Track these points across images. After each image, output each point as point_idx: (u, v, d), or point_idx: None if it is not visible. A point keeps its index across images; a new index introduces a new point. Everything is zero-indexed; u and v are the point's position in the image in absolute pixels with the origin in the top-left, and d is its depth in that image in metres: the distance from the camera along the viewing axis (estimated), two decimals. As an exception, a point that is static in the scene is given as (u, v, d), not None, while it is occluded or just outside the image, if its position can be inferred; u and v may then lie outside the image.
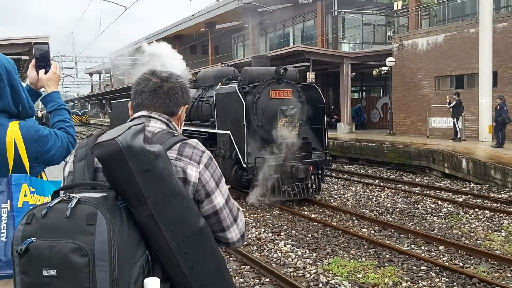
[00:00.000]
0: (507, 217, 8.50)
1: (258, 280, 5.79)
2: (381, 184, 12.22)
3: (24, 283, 1.22)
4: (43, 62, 2.34)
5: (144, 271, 1.29)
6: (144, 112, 1.56)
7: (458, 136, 16.45)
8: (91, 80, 69.73)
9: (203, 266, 1.37)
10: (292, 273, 6.04)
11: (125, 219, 1.26)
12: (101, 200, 1.25)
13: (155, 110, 1.57)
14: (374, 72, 21.86)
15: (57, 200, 1.26)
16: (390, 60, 19.64)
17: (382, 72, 21.46)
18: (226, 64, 15.14)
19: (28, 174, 2.06)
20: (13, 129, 2.04)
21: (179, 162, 1.44)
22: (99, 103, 63.33)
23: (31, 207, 1.29)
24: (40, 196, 2.07)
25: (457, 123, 16.52)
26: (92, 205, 1.22)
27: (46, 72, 2.34)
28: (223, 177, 1.56)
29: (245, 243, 7.35)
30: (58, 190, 1.34)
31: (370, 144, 16.23)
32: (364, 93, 31.22)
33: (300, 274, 5.98)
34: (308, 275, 5.94)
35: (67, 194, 1.28)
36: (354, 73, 23.06)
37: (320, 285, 5.61)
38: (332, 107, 26.47)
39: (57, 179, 2.12)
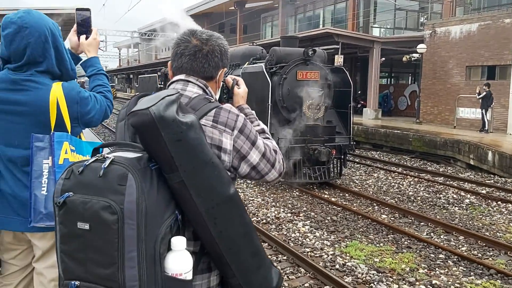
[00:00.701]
0: (531, 212, 8.38)
1: (275, 258, 5.88)
2: (404, 172, 12.13)
3: (62, 232, 1.32)
4: (84, 27, 2.43)
5: (172, 230, 1.35)
6: (182, 76, 1.60)
7: (486, 128, 16.14)
8: (119, 54, 70.40)
9: (232, 231, 1.42)
10: (309, 253, 6.11)
11: (155, 181, 1.32)
12: (134, 162, 1.31)
13: (193, 74, 1.61)
14: (404, 59, 21.47)
15: (93, 159, 1.33)
16: (421, 47, 19.25)
17: (413, 59, 21.06)
18: (254, 44, 15.09)
19: (69, 133, 2.15)
20: (56, 89, 2.13)
21: (214, 130, 1.48)
22: (126, 77, 64.00)
23: (70, 164, 1.37)
24: (79, 155, 2.16)
25: (486, 114, 16.19)
26: (124, 166, 1.28)
27: (87, 38, 2.43)
28: (259, 133, 1.62)
29: (264, 221, 7.45)
30: (98, 148, 1.41)
31: (396, 131, 16.07)
32: (392, 79, 30.75)
33: (317, 255, 6.05)
34: (325, 256, 6.01)
35: (103, 153, 1.35)
36: (383, 59, 22.70)
37: (337, 266, 5.67)
38: (359, 92, 26.18)
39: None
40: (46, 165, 2.07)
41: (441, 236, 6.94)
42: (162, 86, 19.66)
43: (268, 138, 1.70)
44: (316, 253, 6.12)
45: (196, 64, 1.60)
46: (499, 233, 7.19)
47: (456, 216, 8.07)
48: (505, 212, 8.38)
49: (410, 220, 7.77)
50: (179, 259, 1.33)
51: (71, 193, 1.30)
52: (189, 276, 1.35)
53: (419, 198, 9.33)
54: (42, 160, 2.06)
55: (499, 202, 9.01)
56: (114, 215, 1.24)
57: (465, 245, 6.58)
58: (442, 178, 11.51)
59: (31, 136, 2.06)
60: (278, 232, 7.00)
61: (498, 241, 6.64)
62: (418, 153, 14.88)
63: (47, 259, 2.22)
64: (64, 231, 1.31)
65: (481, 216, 8.10)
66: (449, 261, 5.89)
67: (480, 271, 5.57)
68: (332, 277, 5.16)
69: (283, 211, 8.10)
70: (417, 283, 5.25)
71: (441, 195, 9.56)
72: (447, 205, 8.79)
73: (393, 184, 10.65)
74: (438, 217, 7.97)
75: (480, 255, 6.22)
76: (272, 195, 9.30)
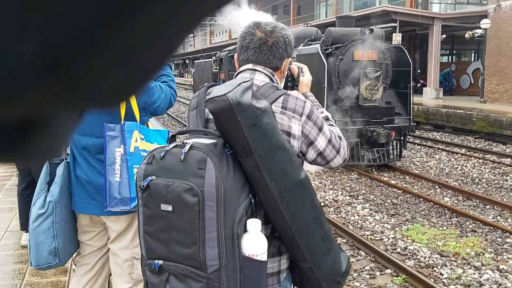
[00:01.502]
0: None
1: (334, 241, 5.86)
2: (468, 153, 11.67)
3: (146, 214, 1.41)
4: None
5: (247, 213, 1.41)
6: (250, 66, 1.65)
7: (558, 106, 15.16)
8: (175, 40, 71.32)
9: (303, 214, 1.47)
10: (369, 236, 6.05)
11: (232, 165, 1.39)
12: (211, 147, 1.38)
13: (260, 64, 1.65)
14: (466, 35, 20.48)
15: (173, 144, 1.42)
16: (485, 23, 18.24)
17: (476, 35, 20.04)
18: (308, 25, 14.89)
19: (138, 122, 2.25)
20: None
21: (284, 116, 1.53)
22: (182, 63, 65.14)
23: (151, 150, 1.46)
24: (148, 142, 2.26)
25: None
26: (203, 151, 1.35)
27: None
28: (324, 119, 1.65)
29: (322, 204, 7.44)
30: (175, 135, 1.51)
31: (458, 111, 15.44)
32: (454, 57, 29.42)
33: (378, 238, 5.98)
34: (386, 239, 5.93)
35: (182, 140, 1.43)
36: (444, 36, 21.73)
37: (398, 249, 5.59)
38: (419, 71, 25.28)
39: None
40: (119, 153, 2.18)
41: (509, 220, 6.65)
42: (217, 70, 19.84)
43: (332, 125, 1.72)
44: (376, 236, 6.05)
45: (261, 57, 1.64)
46: None
47: (525, 199, 7.70)
48: None
49: (475, 203, 7.49)
50: (255, 241, 1.38)
51: (154, 177, 1.38)
52: (264, 257, 1.40)
53: (484, 180, 8.96)
54: (114, 148, 2.17)
55: None
56: (195, 197, 1.31)
57: (535, 229, 6.28)
58: (509, 159, 10.96)
59: (104, 126, 2.17)
60: (336, 215, 6.97)
61: None
62: (483, 133, 14.24)
63: (121, 240, 2.35)
64: (148, 213, 1.39)
65: (553, 199, 7.67)
66: (518, 246, 5.65)
67: (553, 257, 5.31)
68: (393, 260, 5.10)
69: (341, 194, 8.04)
70: (483, 267, 5.09)
71: (508, 177, 9.13)
72: (515, 188, 8.40)
73: (456, 166, 10.28)
74: (505, 200, 7.63)
75: (552, 240, 5.91)
76: (329, 177, 9.24)
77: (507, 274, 4.92)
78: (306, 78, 1.84)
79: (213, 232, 1.32)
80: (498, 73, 19.07)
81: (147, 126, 2.37)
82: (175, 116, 18.46)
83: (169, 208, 1.34)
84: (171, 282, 1.38)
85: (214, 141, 1.43)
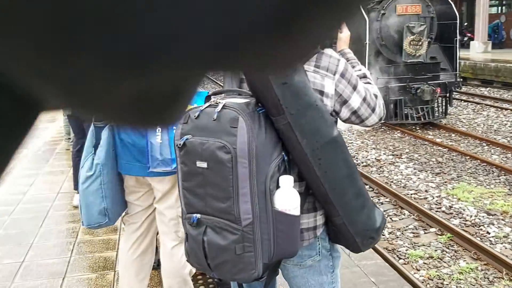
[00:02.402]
0: None
1: (377, 200, 5.83)
2: (518, 109, 11.18)
3: (183, 171, 1.47)
4: None
5: (280, 170, 1.45)
6: None
7: None
8: None
9: (336, 172, 1.49)
10: (413, 195, 5.98)
11: (263, 124, 1.42)
12: (243, 106, 1.41)
13: None
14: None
15: (207, 104, 1.45)
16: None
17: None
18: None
19: None
20: None
21: (316, 75, 1.51)
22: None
23: (187, 110, 1.47)
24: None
25: None
26: (235, 110, 1.38)
27: None
28: (360, 78, 1.64)
29: (364, 164, 7.37)
30: (210, 95, 1.53)
31: (508, 65, 14.70)
32: (504, 7, 27.81)
33: (422, 197, 5.90)
34: (430, 198, 5.84)
35: (216, 99, 1.46)
36: (494, -15, 20.53)
37: (443, 208, 5.50)
38: (466, 23, 24.11)
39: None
40: None
41: (562, 177, 6.40)
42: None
43: (369, 83, 1.70)
44: (420, 195, 5.97)
45: None
46: None
47: None
48: None
49: (525, 161, 7.23)
50: (287, 196, 1.43)
51: (190, 136, 1.42)
52: (296, 212, 1.45)
53: (535, 137, 8.61)
54: None
55: None
56: (228, 154, 1.36)
57: None
58: None
59: None
60: (379, 174, 6.90)
61: None
62: (535, 87, 13.57)
63: (166, 200, 2.42)
64: (185, 170, 1.45)
65: None
66: None
67: None
68: (438, 219, 5.03)
69: (383, 153, 7.93)
70: (533, 226, 4.95)
71: (562, 133, 8.73)
72: None
73: (505, 122, 9.88)
74: (558, 157, 7.32)
75: None
76: (371, 137, 9.11)
77: (559, 232, 4.77)
78: (344, 35, 1.80)
79: (245, 188, 1.37)
80: (553, 23, 17.93)
81: None
82: (214, 79, 18.54)
83: (204, 165, 1.40)
84: (208, 234, 1.45)
85: (246, 100, 1.45)
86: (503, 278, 4.05)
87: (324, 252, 1.64)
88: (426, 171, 6.90)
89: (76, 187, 4.55)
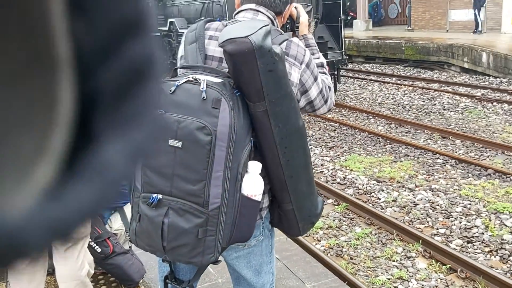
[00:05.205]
0: (525, 110, 8.45)
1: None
2: (398, 82, 12.08)
3: None
4: None
5: (250, 156, 1.43)
6: (253, 5, 1.60)
7: (479, 29, 15.83)
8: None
9: (297, 160, 1.50)
10: (310, 170, 6.22)
11: (241, 108, 1.39)
12: (222, 86, 1.36)
13: (264, 6, 1.61)
14: (392, -36, 20.61)
15: (184, 79, 1.37)
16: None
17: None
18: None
19: None
20: None
21: (285, 63, 1.50)
22: None
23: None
24: None
25: (479, 14, 15.80)
26: (218, 90, 1.34)
27: None
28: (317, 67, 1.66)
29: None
30: (176, 68, 1.46)
31: (387, 41, 15.80)
32: (381, -13, 29.70)
33: (318, 171, 6.17)
34: (326, 171, 6.13)
35: (192, 75, 1.38)
36: (370, -34, 21.79)
37: (338, 180, 5.80)
38: (348, 3, 25.40)
39: None
40: None
41: (438, 142, 7.05)
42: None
43: (325, 73, 1.72)
44: (317, 169, 6.23)
45: None
46: (496, 133, 7.29)
47: (452, 121, 8.15)
48: (501, 113, 8.45)
49: (407, 129, 7.85)
50: (255, 182, 1.43)
51: (163, 111, 1.32)
52: (259, 198, 1.45)
53: (414, 106, 9.37)
54: None
55: (494, 103, 9.06)
56: (208, 136, 1.32)
57: (462, 148, 6.70)
58: (437, 84, 11.47)
59: None
60: (277, 153, 7.08)
61: (495, 141, 6.76)
62: (412, 61, 14.73)
63: None
64: None
65: (477, 119, 8.17)
66: (447, 165, 6.02)
67: (478, 172, 5.71)
68: (334, 190, 5.30)
69: (281, 132, 8.14)
70: (417, 188, 5.40)
71: (436, 102, 9.59)
72: (443, 111, 8.85)
73: (387, 95, 10.64)
74: (434, 123, 8.04)
75: (477, 157, 6.34)
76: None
77: (439, 192, 5.26)
78: (304, 19, 1.80)
79: (219, 172, 1.34)
80: (424, 0, 19.52)
81: None
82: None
83: (179, 144, 1.33)
84: (170, 216, 1.38)
85: (222, 80, 1.40)
86: (395, 239, 4.39)
87: (266, 232, 1.66)
88: (320, 146, 7.22)
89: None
